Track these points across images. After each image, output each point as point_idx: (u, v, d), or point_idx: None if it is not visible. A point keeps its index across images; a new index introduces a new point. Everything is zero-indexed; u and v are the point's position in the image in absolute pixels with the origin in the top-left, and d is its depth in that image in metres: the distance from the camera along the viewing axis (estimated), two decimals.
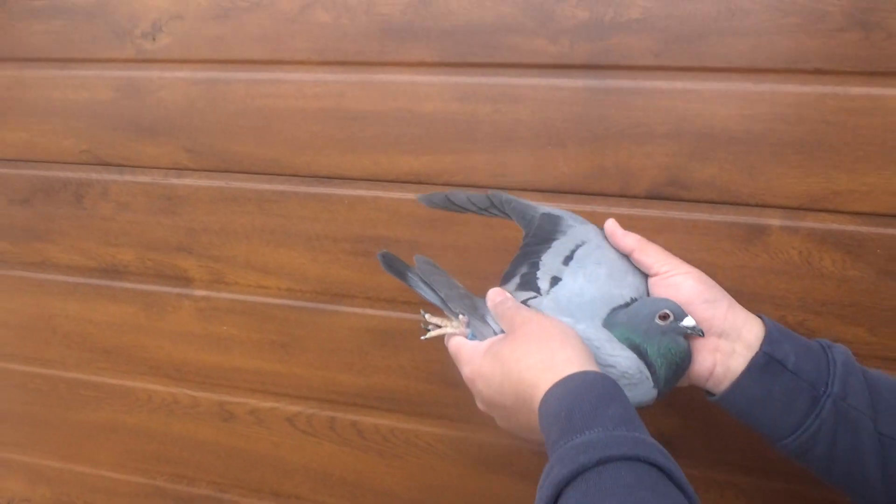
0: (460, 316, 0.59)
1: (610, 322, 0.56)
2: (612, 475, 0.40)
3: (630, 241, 0.58)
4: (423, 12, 0.68)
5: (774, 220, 0.64)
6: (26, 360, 0.93)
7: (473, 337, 0.59)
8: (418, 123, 0.71)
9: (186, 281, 0.83)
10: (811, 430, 0.51)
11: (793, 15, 0.59)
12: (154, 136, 0.79)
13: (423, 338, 0.62)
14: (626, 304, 0.56)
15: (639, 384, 0.53)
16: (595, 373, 0.48)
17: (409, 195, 0.73)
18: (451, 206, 0.62)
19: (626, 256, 0.59)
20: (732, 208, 0.65)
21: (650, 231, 0.66)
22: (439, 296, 0.60)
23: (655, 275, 0.57)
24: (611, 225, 0.59)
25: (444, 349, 0.73)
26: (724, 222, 0.65)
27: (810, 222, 0.63)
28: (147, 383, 0.89)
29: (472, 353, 0.56)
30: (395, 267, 0.63)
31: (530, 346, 0.51)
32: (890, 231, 0.62)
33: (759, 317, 0.56)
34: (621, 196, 0.67)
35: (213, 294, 0.83)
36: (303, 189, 0.76)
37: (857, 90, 0.60)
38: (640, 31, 0.63)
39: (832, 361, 0.53)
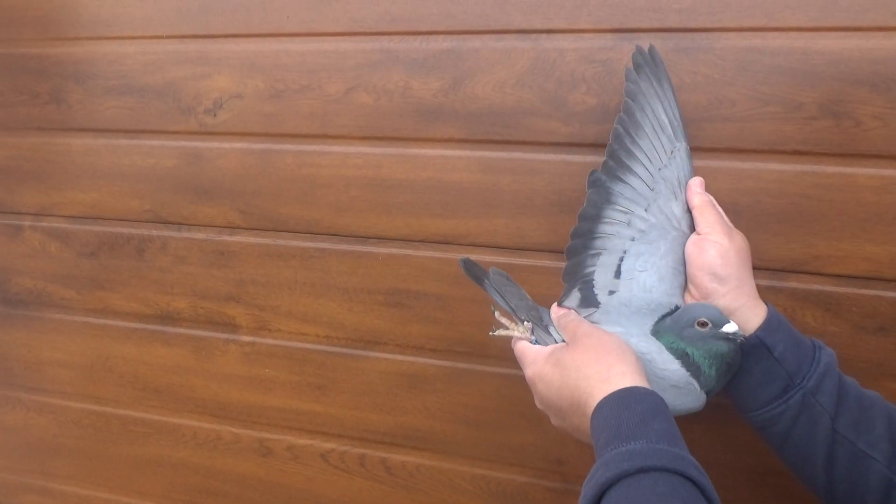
0: (526, 322, 0.66)
1: (658, 329, 0.62)
2: (650, 483, 0.45)
3: (697, 199, 0.63)
4: (451, 96, 0.78)
5: (762, 281, 0.72)
6: (83, 397, 1.02)
7: (536, 343, 0.65)
8: (446, 191, 0.80)
9: (234, 327, 0.92)
10: (776, 411, 0.58)
11: (772, 105, 0.69)
12: (210, 199, 0.89)
13: (491, 334, 0.68)
14: (672, 312, 0.62)
15: (688, 393, 0.59)
16: (645, 389, 0.53)
17: (437, 254, 0.82)
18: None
19: (669, 254, 0.64)
20: None
21: None
22: (509, 305, 0.66)
23: (697, 233, 0.63)
24: (695, 182, 0.64)
25: (468, 393, 0.82)
26: None
27: (793, 283, 0.71)
28: (193, 420, 0.97)
29: (535, 357, 0.62)
30: (474, 273, 0.68)
31: (589, 357, 0.57)
32: (864, 291, 0.70)
33: (766, 305, 0.61)
34: None
35: (258, 339, 0.92)
36: (342, 247, 0.86)
37: (831, 169, 0.69)
38: None
39: (816, 361, 0.58)
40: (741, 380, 0.60)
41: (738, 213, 0.71)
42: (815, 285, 0.71)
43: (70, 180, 0.95)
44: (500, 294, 0.67)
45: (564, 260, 0.78)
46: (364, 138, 0.82)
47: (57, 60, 0.92)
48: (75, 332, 0.99)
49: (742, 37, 0.69)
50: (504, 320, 0.69)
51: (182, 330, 0.95)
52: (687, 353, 0.60)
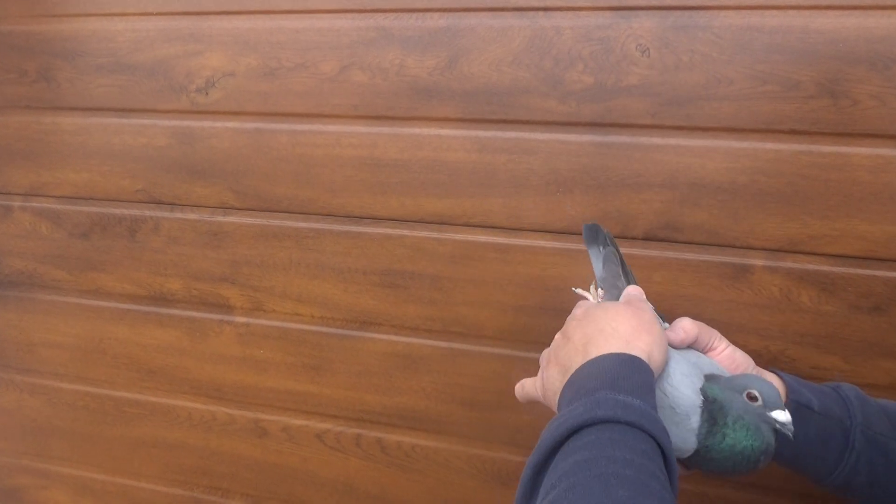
0: (600, 290, 0.64)
1: (709, 380, 0.55)
2: (637, 438, 0.44)
3: (690, 326, 0.59)
4: (447, 75, 0.77)
5: (757, 261, 0.72)
6: (77, 379, 1.01)
7: None
8: (442, 171, 0.80)
9: (228, 308, 0.92)
10: (850, 463, 0.55)
11: (770, 84, 0.68)
12: (203, 179, 0.88)
13: (573, 289, 0.69)
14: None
15: (679, 425, 0.52)
16: (651, 369, 0.51)
17: (432, 234, 0.82)
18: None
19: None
20: (720, 249, 0.73)
21: (648, 269, 0.75)
22: (601, 273, 0.65)
23: (710, 349, 0.59)
24: (685, 323, 0.60)
25: (464, 373, 0.82)
26: (713, 262, 0.74)
27: (789, 263, 0.72)
28: (188, 402, 0.97)
29: (590, 302, 0.63)
30: (594, 236, 0.66)
31: (630, 320, 0.54)
32: (859, 271, 0.70)
33: (774, 372, 0.59)
34: (621, 237, 0.75)
35: (253, 321, 0.91)
36: (337, 227, 0.85)
37: (827, 148, 0.69)
38: (638, 95, 0.72)
39: (846, 398, 0.57)
40: (804, 451, 0.56)
41: (736, 192, 0.71)
42: (811, 265, 0.71)
43: (60, 160, 0.94)
44: (599, 261, 0.65)
45: (560, 240, 0.78)
46: (359, 117, 0.81)
47: (45, 38, 0.90)
48: (68, 313, 0.99)
49: (740, 15, 0.68)
50: (580, 291, 0.68)
51: (176, 311, 0.94)
52: (717, 400, 0.52)
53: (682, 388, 0.53)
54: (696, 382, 0.54)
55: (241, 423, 0.95)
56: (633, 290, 0.61)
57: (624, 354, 0.51)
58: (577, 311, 0.61)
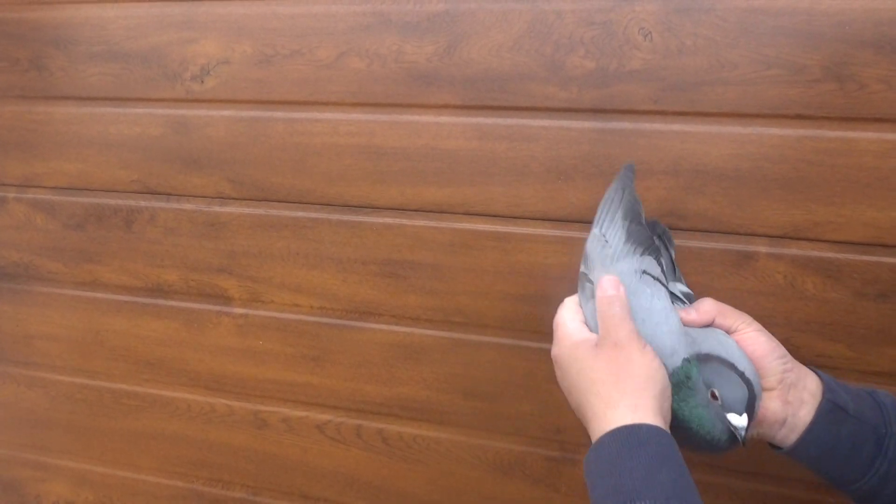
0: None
1: (700, 359, 0.55)
2: None
3: (711, 305, 0.59)
4: (446, 60, 0.76)
5: (761, 248, 0.71)
6: (75, 371, 1.00)
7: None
8: (441, 159, 0.78)
9: (226, 299, 0.91)
10: (881, 472, 0.53)
11: (775, 68, 0.67)
12: (200, 168, 0.87)
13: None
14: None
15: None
16: (651, 427, 0.48)
17: (432, 223, 0.81)
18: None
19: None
20: (724, 237, 0.72)
21: None
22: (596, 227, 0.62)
23: (734, 331, 0.58)
24: (707, 304, 0.59)
25: (465, 363, 0.81)
26: (717, 249, 0.73)
27: (793, 249, 0.71)
28: (186, 393, 0.96)
29: (562, 338, 0.57)
30: (624, 183, 0.63)
31: (609, 375, 0.51)
32: (864, 258, 0.69)
33: (814, 370, 0.58)
34: None
35: (251, 311, 0.90)
36: (335, 217, 0.84)
37: (833, 133, 0.67)
38: (640, 81, 0.71)
39: (882, 404, 0.55)
40: (834, 454, 0.54)
41: (740, 179, 0.70)
42: (816, 252, 0.70)
43: (54, 150, 0.92)
44: (607, 211, 0.62)
45: (561, 229, 0.77)
46: (356, 105, 0.80)
47: (36, 25, 0.89)
48: (64, 305, 0.98)
49: None
50: None
51: (173, 302, 0.93)
52: (690, 378, 0.54)
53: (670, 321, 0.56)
54: (679, 350, 0.55)
55: (241, 415, 0.95)
56: (606, 294, 0.55)
57: (619, 430, 0.48)
58: (554, 350, 0.58)
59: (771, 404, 0.55)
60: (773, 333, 0.72)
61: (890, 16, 0.64)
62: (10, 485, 1.10)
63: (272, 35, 0.81)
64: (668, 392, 0.53)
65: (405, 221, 0.82)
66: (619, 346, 0.53)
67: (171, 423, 0.98)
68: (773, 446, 0.58)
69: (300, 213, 0.85)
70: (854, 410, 0.54)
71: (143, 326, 0.95)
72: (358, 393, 0.89)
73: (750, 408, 0.52)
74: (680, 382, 0.54)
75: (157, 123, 0.87)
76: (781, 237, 0.71)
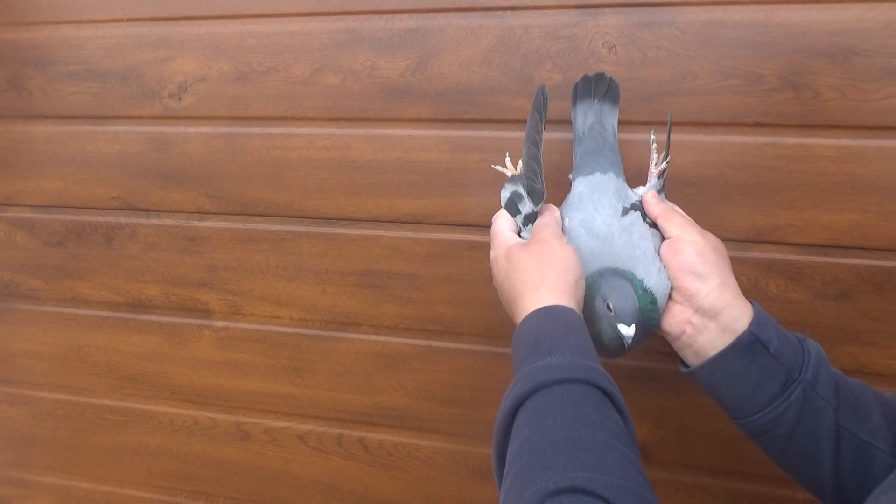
0: (519, 168, 0.68)
1: (606, 274, 0.61)
2: (564, 392, 0.49)
3: (657, 209, 0.64)
4: (419, 76, 0.78)
5: None
6: (57, 388, 1.01)
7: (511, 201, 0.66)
8: (415, 171, 0.80)
9: (207, 313, 0.92)
10: (778, 411, 0.55)
11: (734, 78, 0.70)
12: (179, 184, 0.88)
13: (492, 166, 0.73)
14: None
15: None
16: (565, 308, 0.55)
17: (408, 234, 0.82)
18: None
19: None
20: None
21: None
22: (526, 143, 0.65)
23: (668, 238, 0.62)
24: (649, 195, 0.65)
25: (443, 371, 0.82)
26: None
27: (756, 252, 0.73)
28: (169, 407, 0.97)
29: (500, 243, 0.64)
30: (539, 106, 0.66)
31: (533, 264, 0.58)
32: (823, 259, 0.71)
33: (750, 302, 0.58)
34: None
35: (232, 324, 0.91)
36: (313, 229, 0.85)
37: (791, 140, 0.70)
38: None
39: (807, 352, 0.56)
40: (737, 384, 0.57)
41: (703, 185, 0.72)
42: (778, 254, 0.73)
43: (34, 169, 0.93)
44: (532, 129, 0.65)
45: None
46: (332, 119, 0.82)
47: (14, 46, 0.90)
48: (45, 322, 0.98)
49: (704, 10, 0.70)
50: (499, 167, 0.71)
51: (155, 317, 0.94)
52: (590, 286, 0.60)
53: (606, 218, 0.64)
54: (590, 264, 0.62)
55: (223, 427, 0.96)
56: (542, 221, 0.63)
57: (538, 311, 0.55)
58: (492, 254, 0.65)
59: (669, 318, 0.60)
60: None
61: (841, 26, 0.67)
62: None
63: (248, 53, 0.82)
64: (583, 283, 0.59)
65: (382, 233, 0.83)
66: (543, 241, 0.60)
67: (154, 436, 0.99)
68: (682, 364, 0.62)
69: (278, 227, 0.86)
70: (775, 349, 0.56)
71: (125, 341, 0.96)
72: (338, 402, 0.90)
73: (642, 319, 0.58)
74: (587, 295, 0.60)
75: (136, 140, 0.88)
76: (744, 241, 0.73)
